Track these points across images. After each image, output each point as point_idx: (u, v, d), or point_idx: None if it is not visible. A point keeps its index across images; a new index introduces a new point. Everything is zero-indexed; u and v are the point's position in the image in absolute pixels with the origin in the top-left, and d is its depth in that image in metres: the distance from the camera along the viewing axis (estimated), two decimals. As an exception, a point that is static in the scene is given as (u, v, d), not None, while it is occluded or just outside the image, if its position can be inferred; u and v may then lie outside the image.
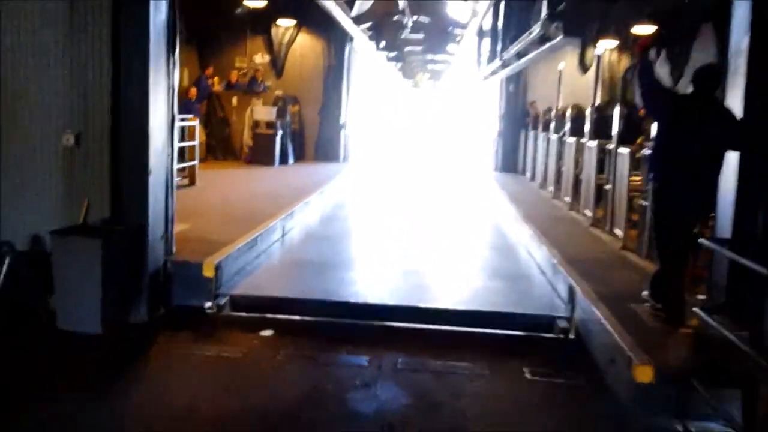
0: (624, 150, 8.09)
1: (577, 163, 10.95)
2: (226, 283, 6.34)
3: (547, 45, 9.93)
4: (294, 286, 6.49)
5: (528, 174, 15.66)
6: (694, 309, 4.85)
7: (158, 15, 6.16)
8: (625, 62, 17.53)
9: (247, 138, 16.13)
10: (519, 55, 13.12)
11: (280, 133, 15.89)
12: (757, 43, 5.05)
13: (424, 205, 12.82)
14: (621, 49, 17.27)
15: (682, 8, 14.79)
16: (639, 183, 7.91)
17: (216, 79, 17.03)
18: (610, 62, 17.59)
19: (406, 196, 13.77)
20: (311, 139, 18.04)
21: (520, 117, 17.50)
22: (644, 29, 14.49)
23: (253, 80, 17.11)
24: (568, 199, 11.11)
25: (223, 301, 6.04)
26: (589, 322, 5.59)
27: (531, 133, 15.66)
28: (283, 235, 8.80)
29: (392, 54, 20.91)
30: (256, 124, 15.89)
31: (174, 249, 6.40)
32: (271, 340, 5.53)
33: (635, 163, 7.93)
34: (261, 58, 17.91)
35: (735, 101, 5.26)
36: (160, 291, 6.04)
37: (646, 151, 7.58)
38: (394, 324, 5.94)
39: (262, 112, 16.02)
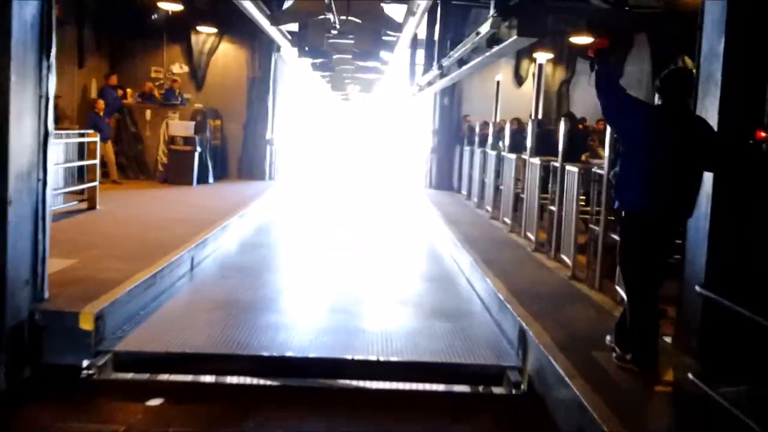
0: (573, 168, 7.36)
1: (518, 182, 10.23)
2: (111, 335, 5.21)
3: (496, 48, 9.09)
4: (195, 336, 5.40)
5: (464, 192, 14.94)
6: (689, 376, 4.02)
7: (25, 8, 5.02)
8: (561, 74, 17.14)
9: (161, 155, 14.84)
10: (460, 63, 12.34)
11: (198, 149, 14.67)
12: (735, 45, 4.33)
13: (354, 227, 11.86)
14: (556, 61, 16.89)
15: (617, 17, 14.42)
16: (587, 206, 7.19)
17: (129, 91, 15.70)
18: (546, 75, 17.17)
19: (336, 219, 12.78)
20: (235, 156, 16.88)
21: (455, 132, 16.82)
22: (580, 40, 14.03)
23: (169, 92, 15.85)
24: (507, 220, 10.37)
25: (103, 359, 4.91)
26: (545, 373, 4.73)
27: (467, 149, 14.96)
28: (191, 269, 7.68)
29: (318, 61, 19.67)
30: (171, 139, 14.63)
31: (46, 295, 5.23)
32: (160, 410, 4.44)
33: (584, 183, 7.21)
34: (179, 68, 16.69)
35: (709, 111, 4.54)
36: (24, 349, 4.86)
37: (598, 170, 6.87)
38: (316, 382, 4.95)
39: (179, 126, 14.77)
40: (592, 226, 6.91)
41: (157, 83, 16.42)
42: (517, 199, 10.03)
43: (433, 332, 5.90)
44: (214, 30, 16.18)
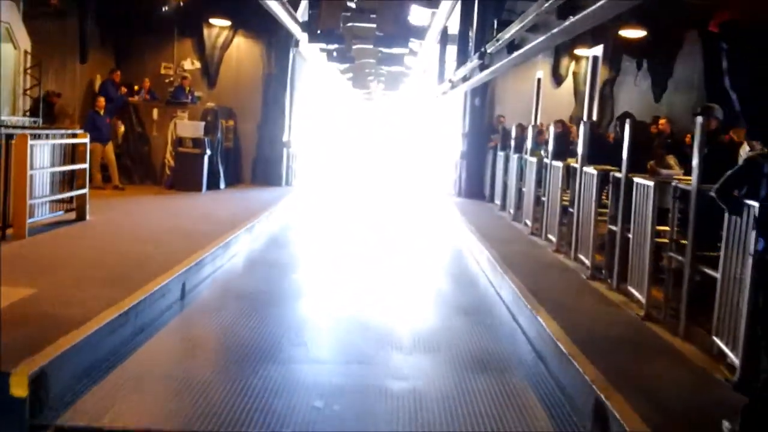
0: (645, 181, 6.00)
1: (564, 193, 8.89)
2: (57, 400, 3.98)
3: (555, 30, 7.63)
4: (170, 403, 4.15)
5: (497, 202, 13.58)
6: None
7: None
8: (605, 73, 15.70)
9: (169, 158, 13.68)
10: (511, 48, 10.95)
11: (208, 152, 13.50)
12: None
13: (378, 242, 10.58)
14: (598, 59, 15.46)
15: (668, 11, 12.98)
16: (667, 231, 5.82)
17: (146, 84, 14.58)
18: (587, 74, 15.76)
19: (357, 232, 11.49)
20: (248, 159, 15.71)
21: (487, 135, 15.46)
22: (631, 33, 12.65)
23: (179, 89, 14.71)
24: (552, 237, 9.02)
25: (39, 439, 3.68)
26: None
27: (500, 154, 13.61)
28: (182, 296, 6.45)
29: (333, 48, 18.06)
30: (179, 141, 13.46)
31: (-27, 344, 4.02)
32: None
33: (661, 198, 5.84)
34: (191, 65, 15.56)
35: None
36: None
37: (682, 185, 5.50)
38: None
39: (188, 127, 13.61)
40: (672, 254, 5.55)
41: (167, 80, 15.32)
42: (564, 213, 8.67)
43: (472, 392, 4.59)
44: (227, 23, 15.01)
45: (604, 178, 7.35)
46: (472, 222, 11.22)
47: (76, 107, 13.72)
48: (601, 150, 8.32)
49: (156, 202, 11.59)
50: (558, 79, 15.75)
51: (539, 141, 11.48)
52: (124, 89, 13.94)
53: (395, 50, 17.03)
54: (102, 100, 13.00)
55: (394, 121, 35.20)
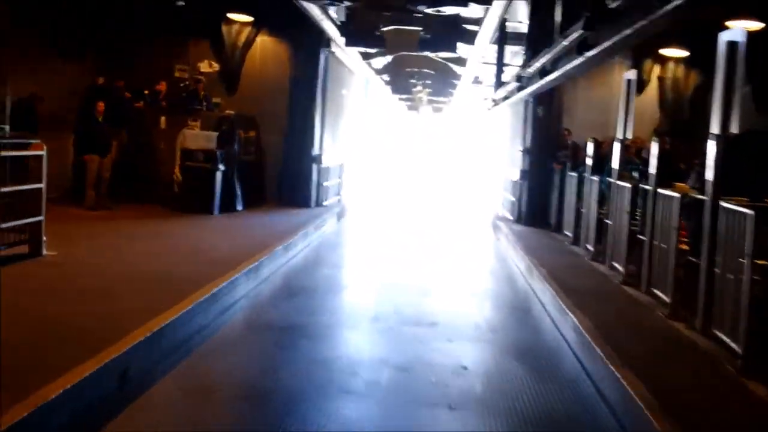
0: None
1: (677, 232, 6.42)
2: None
3: (638, 26, 5.49)
4: None
5: (567, 233, 11.11)
6: None
7: None
8: (695, 78, 13.18)
9: (178, 174, 11.60)
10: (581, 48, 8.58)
11: (221, 168, 11.38)
12: None
13: (419, 286, 8.24)
14: (689, 61, 12.95)
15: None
16: None
17: (162, 88, 12.65)
18: (674, 79, 13.23)
19: (393, 273, 9.15)
20: (273, 175, 13.56)
21: (552, 151, 12.98)
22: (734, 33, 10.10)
23: (191, 94, 12.68)
24: (664, 296, 6.53)
25: None
26: None
27: (571, 176, 11.17)
28: (121, 385, 4.21)
29: (374, 51, 16.04)
30: (188, 154, 11.39)
31: None
32: None
33: None
34: (208, 67, 13.54)
35: None
36: None
37: None
38: None
39: (198, 138, 11.56)
40: None
41: (181, 84, 13.33)
42: (687, 265, 6.19)
43: None
44: (249, 18, 12.95)
45: (763, 216, 4.88)
46: (540, 261, 8.78)
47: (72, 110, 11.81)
48: (740, 174, 5.90)
49: (147, 228, 9.47)
50: (639, 84, 13.17)
51: (628, 160, 9.04)
52: (128, 94, 11.96)
53: (443, 54, 15.07)
54: (101, 105, 11.03)
55: (442, 134, 32.85)
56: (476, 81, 19.05)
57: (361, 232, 13.07)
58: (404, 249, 11.08)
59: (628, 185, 8.00)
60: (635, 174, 8.56)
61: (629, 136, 8.72)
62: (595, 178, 9.68)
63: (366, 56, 14.49)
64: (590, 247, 9.58)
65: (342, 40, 12.14)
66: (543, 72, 10.86)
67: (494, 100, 13.43)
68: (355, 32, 12.72)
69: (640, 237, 7.51)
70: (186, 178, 11.30)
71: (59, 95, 11.62)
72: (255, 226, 10.45)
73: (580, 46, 9.10)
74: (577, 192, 10.83)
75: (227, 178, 11.64)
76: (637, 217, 7.77)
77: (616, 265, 8.18)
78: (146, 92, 12.81)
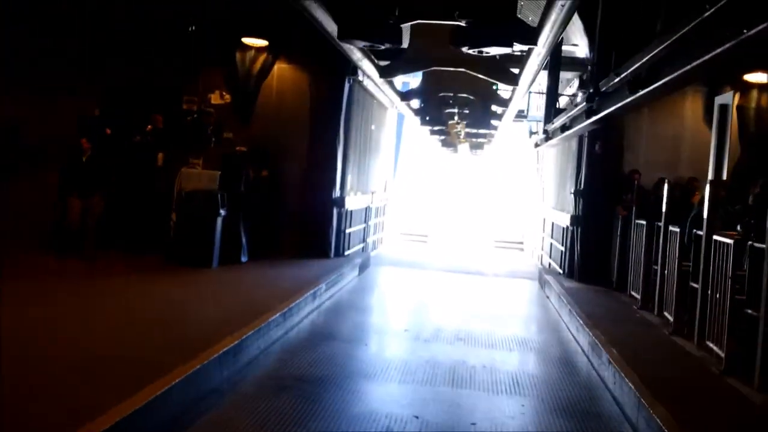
0: None
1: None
2: None
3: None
4: None
5: (634, 294, 9.17)
6: None
7: None
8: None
9: (174, 220, 10.02)
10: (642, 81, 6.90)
11: (223, 213, 9.77)
12: None
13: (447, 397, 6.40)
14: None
15: None
16: None
17: (158, 121, 11.20)
18: (758, 108, 11.25)
19: (419, 366, 7.33)
20: (290, 220, 11.86)
21: (611, 194, 11.05)
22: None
23: (197, 128, 11.19)
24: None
25: None
26: None
27: (639, 225, 9.28)
28: None
29: (437, 128, 15.01)
30: (186, 197, 9.81)
31: None
32: None
33: None
34: (219, 98, 12.03)
35: None
36: None
37: None
38: None
39: (198, 177, 10.00)
40: None
41: (189, 117, 11.86)
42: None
43: None
44: (264, 43, 11.47)
45: None
46: (611, 338, 6.84)
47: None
48: None
49: (121, 287, 7.79)
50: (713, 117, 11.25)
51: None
52: (108, 130, 10.49)
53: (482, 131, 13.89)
54: (84, 142, 9.61)
55: (482, 174, 30.98)
56: (520, 116, 17.31)
57: (383, 290, 11.23)
58: (433, 313, 9.22)
59: (729, 240, 6.07)
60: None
61: (724, 176, 6.82)
62: (675, 228, 7.76)
63: (403, 97, 12.93)
64: (669, 317, 7.62)
65: (371, 69, 10.48)
66: (589, 111, 9.18)
67: (546, 132, 11.63)
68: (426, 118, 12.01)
69: (750, 312, 5.60)
70: (182, 225, 9.70)
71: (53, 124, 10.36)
72: (256, 283, 8.74)
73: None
74: (647, 244, 8.92)
75: (230, 226, 10.02)
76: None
77: (713, 346, 6.20)
78: (149, 128, 11.37)
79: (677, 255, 7.58)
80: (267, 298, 7.54)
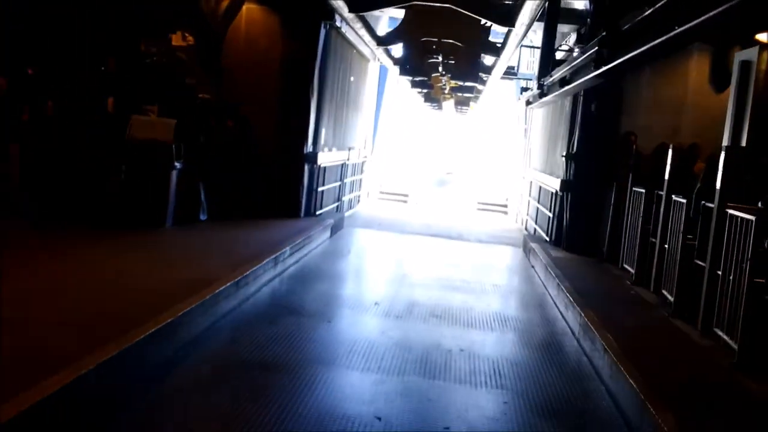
0: None
1: None
2: None
3: None
4: None
5: (629, 268, 8.41)
6: None
7: None
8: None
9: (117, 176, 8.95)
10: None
11: (178, 166, 8.80)
12: None
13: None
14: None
15: None
16: None
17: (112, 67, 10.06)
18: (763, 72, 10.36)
19: (396, 343, 6.53)
20: (258, 177, 10.89)
21: (606, 159, 10.22)
22: None
23: (161, 73, 10.12)
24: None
25: None
26: None
27: (637, 193, 8.47)
28: None
29: (418, 79, 14.03)
30: (136, 147, 8.79)
31: None
32: None
33: None
34: (182, 40, 10.91)
35: None
36: None
37: None
38: None
39: (149, 126, 8.96)
40: None
41: (148, 60, 10.75)
42: None
43: None
44: (231, -20, 10.35)
45: None
46: (605, 322, 6.06)
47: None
48: None
49: (40, 258, 6.79)
50: (721, 80, 10.34)
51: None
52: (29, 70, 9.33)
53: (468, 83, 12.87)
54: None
55: (468, 135, 30.04)
56: (509, 73, 16.32)
57: (355, 255, 10.37)
58: (407, 284, 8.40)
59: (750, 216, 5.26)
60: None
61: (743, 141, 5.97)
62: (680, 199, 6.94)
63: (380, 41, 11.84)
64: (669, 296, 6.86)
65: (345, 10, 9.47)
66: (597, 60, 8.22)
67: (542, 87, 10.62)
68: (406, 66, 10.89)
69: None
70: (131, 180, 8.71)
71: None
72: (211, 246, 7.84)
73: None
74: (644, 214, 8.13)
75: (187, 181, 9.06)
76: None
77: (722, 335, 5.44)
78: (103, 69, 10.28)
79: (681, 228, 6.78)
80: (220, 266, 6.66)
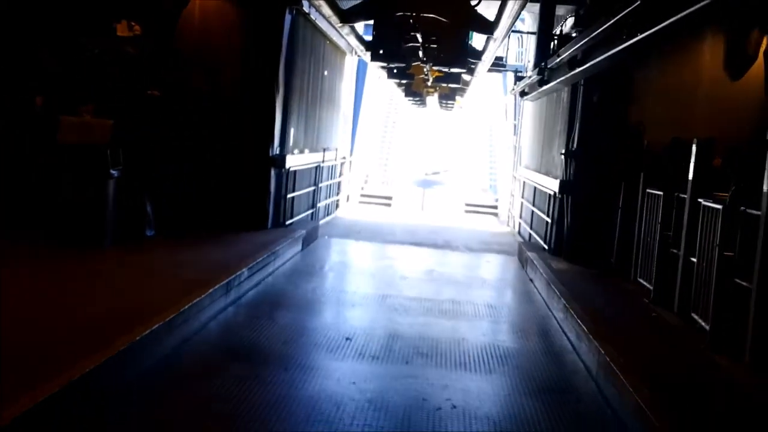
0: None
1: None
2: None
3: None
4: None
5: (644, 283, 7.20)
6: None
7: None
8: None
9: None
10: None
11: (114, 173, 7.50)
12: None
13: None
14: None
15: None
16: None
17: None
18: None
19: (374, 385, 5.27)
20: (220, 182, 9.61)
21: (612, 156, 9.02)
22: None
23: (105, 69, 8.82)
24: None
25: None
26: None
27: (653, 195, 7.29)
28: None
29: (394, 66, 12.73)
30: (67, 154, 7.49)
31: None
32: None
33: None
34: (128, 30, 9.60)
35: None
36: None
37: None
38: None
39: (86, 128, 7.66)
40: None
41: (88, 53, 9.43)
42: None
43: None
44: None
45: None
46: (629, 359, 4.84)
47: None
48: None
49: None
50: (738, 66, 9.17)
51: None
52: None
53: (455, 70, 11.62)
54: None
55: (454, 133, 28.81)
56: (497, 65, 15.11)
57: (328, 272, 9.03)
58: (387, 308, 7.14)
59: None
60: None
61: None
62: (713, 204, 5.74)
63: (344, 16, 10.53)
64: (703, 323, 5.65)
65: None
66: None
67: (543, 72, 9.31)
68: (379, 51, 9.62)
69: None
70: (62, 191, 7.40)
71: None
72: (153, 270, 6.54)
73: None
74: (663, 221, 6.93)
75: (130, 191, 7.76)
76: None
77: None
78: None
79: (716, 240, 5.57)
80: (154, 298, 5.38)
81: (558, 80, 9.27)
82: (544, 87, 9.69)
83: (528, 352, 5.96)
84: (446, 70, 11.48)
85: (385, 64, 12.27)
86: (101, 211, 7.37)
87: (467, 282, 8.82)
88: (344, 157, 15.68)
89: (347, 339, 5.75)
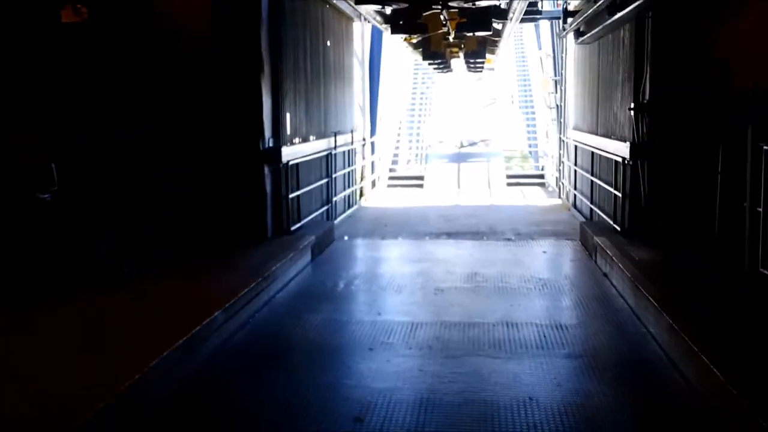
0: None
1: None
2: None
3: None
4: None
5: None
6: None
7: None
8: None
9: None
10: None
11: (46, 196, 5.69)
12: None
13: None
14: None
15: None
16: None
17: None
18: None
19: None
20: (202, 189, 7.79)
21: (702, 104, 6.83)
22: None
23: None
24: None
25: None
26: None
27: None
28: None
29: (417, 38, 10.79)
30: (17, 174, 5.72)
31: None
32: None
33: None
34: (74, 15, 7.85)
35: None
36: None
37: None
38: None
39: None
40: None
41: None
42: None
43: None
44: None
45: None
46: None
47: None
48: None
49: None
50: None
51: None
52: None
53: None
54: None
55: (487, 100, 26.51)
56: (531, 12, 12.84)
57: (342, 294, 6.82)
58: (415, 347, 5.19)
59: None
60: None
61: None
62: None
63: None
64: None
65: None
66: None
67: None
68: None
69: None
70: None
71: None
72: (91, 325, 4.73)
73: None
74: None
75: (68, 210, 5.97)
76: None
77: None
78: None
79: None
80: (72, 382, 3.56)
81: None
82: (620, 14, 7.37)
83: (631, 415, 3.96)
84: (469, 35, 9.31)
85: (379, 7, 10.26)
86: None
87: (522, 288, 6.77)
88: (364, 139, 13.73)
89: (357, 420, 3.83)
